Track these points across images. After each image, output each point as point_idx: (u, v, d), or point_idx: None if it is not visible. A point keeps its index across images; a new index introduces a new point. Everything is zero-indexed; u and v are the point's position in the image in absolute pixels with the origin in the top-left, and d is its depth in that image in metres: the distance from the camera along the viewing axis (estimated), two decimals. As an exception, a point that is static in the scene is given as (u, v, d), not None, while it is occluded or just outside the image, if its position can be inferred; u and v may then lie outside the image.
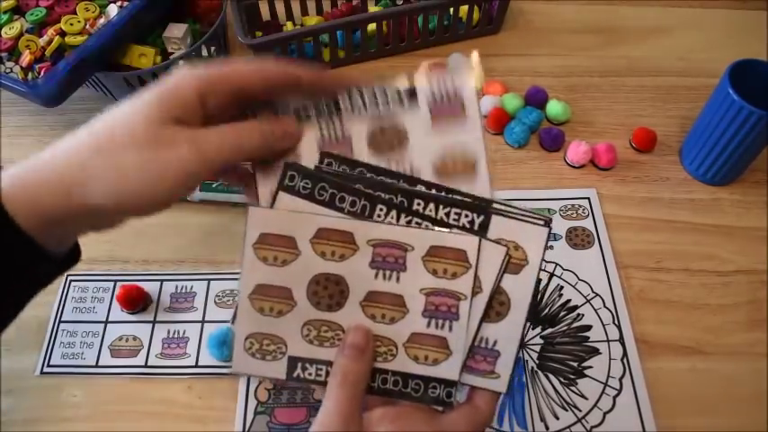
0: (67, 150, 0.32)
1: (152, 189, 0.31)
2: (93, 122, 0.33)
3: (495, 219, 0.37)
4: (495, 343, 0.37)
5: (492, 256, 0.37)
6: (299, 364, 0.37)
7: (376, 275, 0.37)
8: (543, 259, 0.37)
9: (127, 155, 0.31)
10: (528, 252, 0.37)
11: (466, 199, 0.37)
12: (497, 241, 0.37)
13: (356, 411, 0.35)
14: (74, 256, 0.36)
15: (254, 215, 0.37)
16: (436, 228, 0.37)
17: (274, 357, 0.37)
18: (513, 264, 0.37)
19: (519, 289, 0.37)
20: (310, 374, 0.36)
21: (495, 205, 0.37)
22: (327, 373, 0.36)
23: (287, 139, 0.37)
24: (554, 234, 0.60)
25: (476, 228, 0.37)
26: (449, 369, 0.36)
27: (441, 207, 0.37)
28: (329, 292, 0.37)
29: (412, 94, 0.38)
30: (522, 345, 0.36)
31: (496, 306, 0.37)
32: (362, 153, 0.38)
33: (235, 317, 0.37)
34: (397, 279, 0.37)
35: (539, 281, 0.37)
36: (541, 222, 0.37)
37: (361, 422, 0.35)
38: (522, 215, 0.37)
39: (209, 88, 0.33)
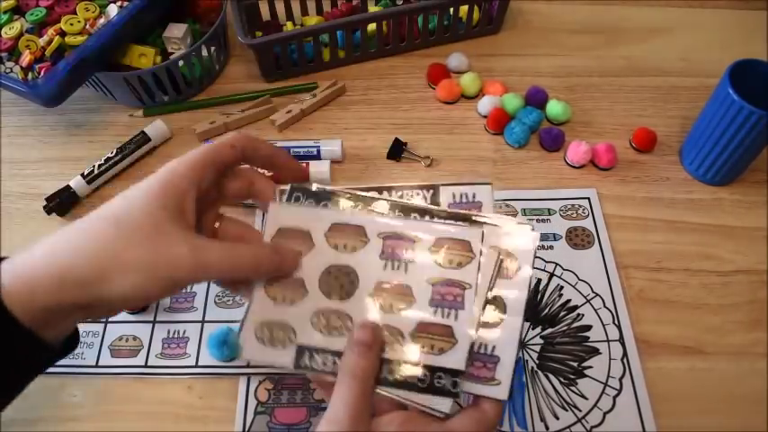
0: (68, 243, 0.33)
1: (144, 286, 0.32)
2: (96, 214, 0.34)
3: (486, 229, 0.38)
4: (493, 349, 0.37)
5: (485, 260, 0.38)
6: (307, 353, 0.37)
7: (385, 266, 0.38)
8: (534, 265, 0.38)
9: (130, 252, 0.32)
10: (519, 258, 0.38)
11: (459, 211, 0.39)
12: (490, 247, 0.38)
13: (365, 408, 0.35)
14: (73, 341, 0.37)
15: (274, 211, 0.39)
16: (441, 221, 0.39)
17: (284, 345, 0.38)
18: (506, 270, 0.38)
19: (514, 294, 0.38)
20: (317, 364, 0.37)
21: (487, 218, 0.39)
22: (334, 363, 0.37)
23: (284, 269, 0.38)
24: (554, 234, 0.60)
25: None
26: (455, 358, 0.36)
27: (436, 219, 0.39)
28: (340, 282, 0.38)
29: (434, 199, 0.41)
30: (521, 349, 0.37)
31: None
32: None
33: (248, 309, 0.38)
34: (405, 269, 0.38)
35: (531, 286, 0.38)
36: (530, 229, 0.39)
37: (369, 420, 0.35)
38: (511, 225, 0.39)
39: (201, 176, 0.36)
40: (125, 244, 0.32)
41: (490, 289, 0.38)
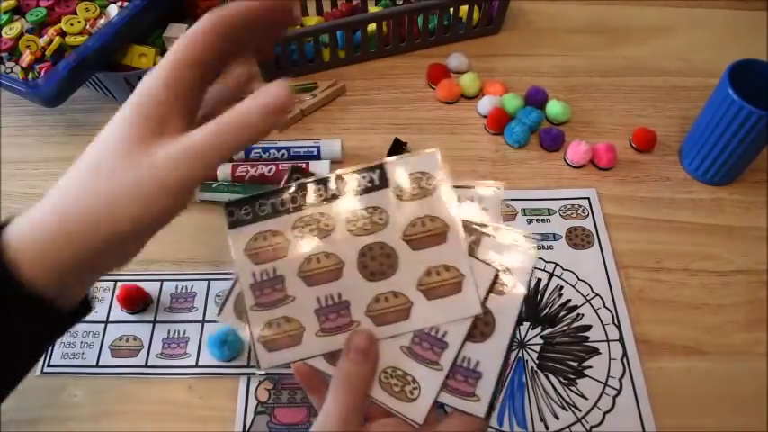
0: (63, 192, 0.31)
1: (145, 211, 0.29)
2: (85, 153, 0.32)
3: (485, 240, 0.38)
4: (477, 364, 0.37)
5: (482, 274, 0.37)
6: None
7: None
8: (530, 284, 0.38)
9: (110, 184, 0.30)
10: (515, 273, 0.37)
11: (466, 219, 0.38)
12: (488, 263, 0.37)
13: (355, 416, 0.35)
14: (86, 305, 0.34)
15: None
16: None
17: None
18: (500, 285, 0.37)
19: (505, 311, 0.37)
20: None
21: (486, 228, 0.38)
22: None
23: (283, 110, 0.32)
24: (554, 234, 0.60)
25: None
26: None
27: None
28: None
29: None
30: (505, 371, 0.36)
31: (481, 326, 0.37)
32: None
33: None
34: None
35: (523, 306, 0.37)
36: (531, 248, 0.38)
37: (359, 428, 0.35)
38: (513, 239, 0.38)
39: (179, 70, 0.31)
40: (106, 177, 0.30)
41: (483, 305, 0.37)
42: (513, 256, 0.37)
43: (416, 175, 0.38)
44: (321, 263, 0.38)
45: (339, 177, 0.39)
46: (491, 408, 0.36)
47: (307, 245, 0.38)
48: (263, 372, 0.38)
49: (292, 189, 0.39)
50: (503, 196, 0.39)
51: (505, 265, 0.37)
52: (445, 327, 0.37)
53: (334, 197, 0.39)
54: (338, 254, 0.38)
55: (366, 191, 0.39)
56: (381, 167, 0.39)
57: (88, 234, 0.29)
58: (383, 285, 0.37)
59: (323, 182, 0.39)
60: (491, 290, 0.37)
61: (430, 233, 0.38)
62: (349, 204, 0.38)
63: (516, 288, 0.37)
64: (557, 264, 0.58)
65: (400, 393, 0.36)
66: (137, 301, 0.55)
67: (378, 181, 0.39)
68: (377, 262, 0.37)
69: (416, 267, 0.37)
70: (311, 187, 0.39)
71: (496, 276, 0.37)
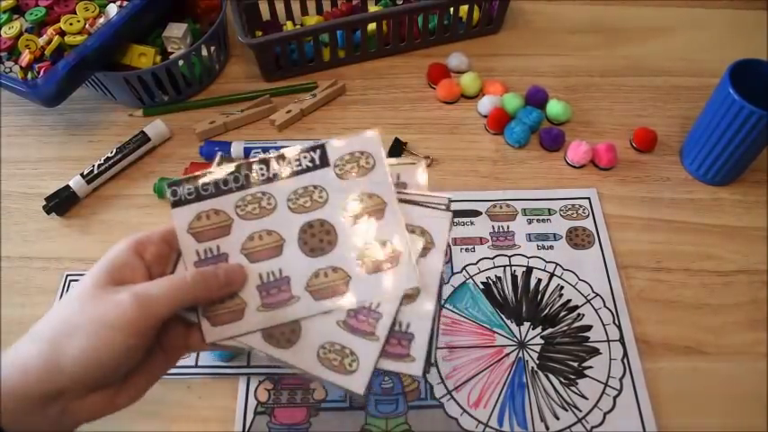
0: (29, 341, 0.35)
1: (98, 340, 0.33)
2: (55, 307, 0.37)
3: (402, 206, 0.39)
4: (408, 325, 0.38)
5: (413, 245, 0.39)
6: None
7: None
8: (449, 243, 0.39)
9: (73, 317, 0.34)
10: (433, 236, 0.39)
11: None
12: (412, 230, 0.39)
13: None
14: None
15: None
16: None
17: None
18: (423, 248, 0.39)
19: (427, 271, 0.39)
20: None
21: (401, 194, 0.40)
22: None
23: (229, 287, 0.38)
24: (554, 234, 0.60)
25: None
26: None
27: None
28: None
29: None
30: (437, 328, 0.38)
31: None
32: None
33: None
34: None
35: (446, 262, 0.40)
36: (443, 207, 0.40)
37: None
38: (426, 202, 0.40)
39: (142, 242, 0.38)
40: (70, 312, 0.35)
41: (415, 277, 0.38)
42: (428, 217, 0.39)
43: (356, 154, 0.40)
44: (263, 240, 0.39)
45: (281, 157, 0.40)
46: (427, 366, 0.37)
47: (249, 223, 0.39)
48: (209, 343, 0.39)
49: (235, 168, 0.40)
50: (424, 172, 0.41)
51: (422, 227, 0.39)
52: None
53: (276, 176, 0.40)
54: (279, 231, 0.39)
55: (307, 170, 0.40)
56: (322, 147, 0.41)
57: (44, 367, 0.33)
58: (323, 261, 0.39)
59: (265, 162, 0.40)
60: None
61: (368, 210, 0.39)
62: (290, 183, 0.40)
63: (435, 248, 0.39)
64: (557, 264, 0.58)
65: (339, 366, 0.37)
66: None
67: (318, 161, 0.41)
68: (317, 238, 0.39)
69: (355, 243, 0.39)
70: (254, 167, 0.40)
71: (424, 245, 0.39)
